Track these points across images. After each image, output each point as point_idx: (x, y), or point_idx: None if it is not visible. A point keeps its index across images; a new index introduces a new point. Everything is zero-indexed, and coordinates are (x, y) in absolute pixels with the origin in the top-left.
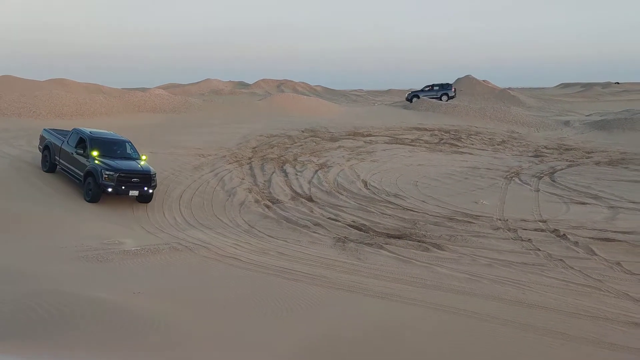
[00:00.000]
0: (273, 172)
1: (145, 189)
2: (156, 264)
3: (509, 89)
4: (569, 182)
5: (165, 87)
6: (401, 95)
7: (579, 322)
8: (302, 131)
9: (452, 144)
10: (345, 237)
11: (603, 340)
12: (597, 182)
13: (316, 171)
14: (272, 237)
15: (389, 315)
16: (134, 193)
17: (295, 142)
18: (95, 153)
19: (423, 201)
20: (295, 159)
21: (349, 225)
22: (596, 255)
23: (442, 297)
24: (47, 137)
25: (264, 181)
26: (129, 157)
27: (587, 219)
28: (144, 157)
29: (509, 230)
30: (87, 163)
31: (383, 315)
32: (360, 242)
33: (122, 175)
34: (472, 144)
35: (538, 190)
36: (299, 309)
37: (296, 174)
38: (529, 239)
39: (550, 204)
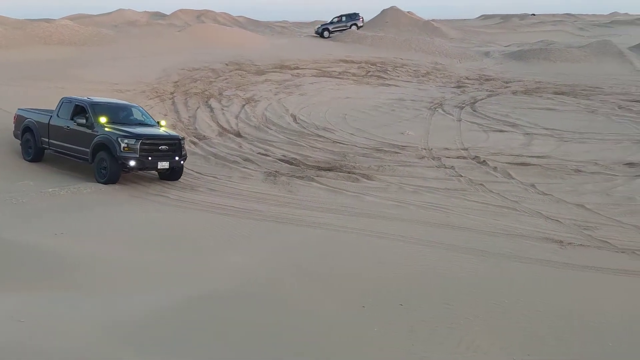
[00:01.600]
0: (198, 108)
1: (177, 159)
2: (76, 204)
3: (433, 20)
4: (488, 112)
5: (73, 18)
6: None
7: (497, 240)
8: (227, 64)
9: (378, 77)
10: (276, 172)
11: (518, 254)
12: (515, 110)
13: (243, 106)
14: (201, 174)
15: (325, 241)
16: (163, 165)
17: (220, 76)
18: (103, 119)
19: (352, 134)
20: (220, 94)
21: (279, 159)
22: (513, 178)
23: (373, 223)
24: (26, 117)
25: (189, 117)
26: (144, 124)
27: (505, 146)
28: (162, 123)
29: (434, 158)
30: (94, 133)
31: (320, 241)
32: (291, 176)
33: (146, 142)
34: (398, 76)
35: (460, 120)
36: (234, 242)
37: (222, 109)
38: (452, 166)
39: (472, 133)
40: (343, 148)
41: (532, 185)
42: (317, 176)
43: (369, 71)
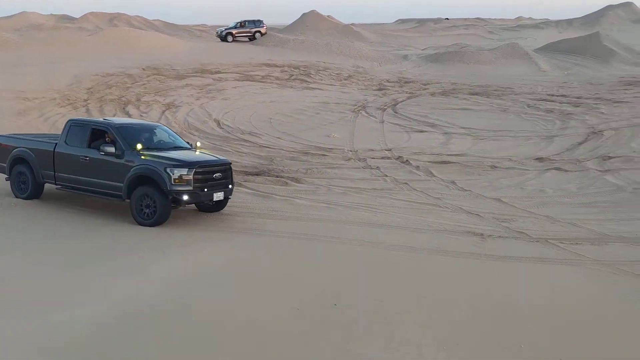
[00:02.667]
0: (114, 115)
1: (230, 187)
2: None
3: (352, 24)
4: (409, 113)
5: None
6: None
7: (423, 236)
8: (144, 69)
9: (302, 80)
10: None
11: (443, 249)
12: (433, 111)
13: (163, 112)
14: None
15: (257, 246)
16: (218, 196)
17: (137, 81)
18: (139, 146)
19: (278, 137)
20: (138, 100)
21: None
22: (435, 176)
23: (303, 226)
24: (14, 145)
25: None
26: (180, 147)
27: (426, 145)
28: (198, 144)
29: (359, 160)
30: (129, 163)
31: (251, 246)
32: None
33: (200, 171)
34: (321, 80)
35: (383, 122)
36: (167, 252)
37: (141, 115)
38: (378, 167)
39: (394, 134)
40: (270, 152)
41: (453, 182)
42: (245, 181)
43: (292, 75)
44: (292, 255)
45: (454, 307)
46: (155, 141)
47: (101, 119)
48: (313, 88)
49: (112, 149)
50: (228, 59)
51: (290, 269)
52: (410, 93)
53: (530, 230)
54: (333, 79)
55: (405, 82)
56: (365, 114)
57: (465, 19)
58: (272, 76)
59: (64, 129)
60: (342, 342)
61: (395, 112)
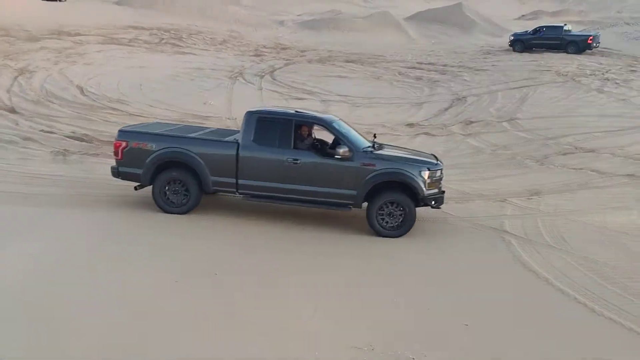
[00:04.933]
0: None
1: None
2: None
3: None
4: (287, 80)
5: None
6: None
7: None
8: None
9: (173, 44)
10: (65, 150)
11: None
12: (311, 78)
13: (16, 77)
14: None
15: (130, 219)
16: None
17: None
18: (370, 147)
19: (150, 105)
20: None
21: (68, 136)
22: None
23: None
24: (157, 145)
25: None
26: (373, 143)
27: None
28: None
29: (238, 127)
30: (368, 167)
31: (124, 219)
32: (84, 154)
33: (441, 171)
34: (195, 44)
35: (261, 89)
36: (22, 231)
37: None
38: None
39: (273, 101)
40: (142, 120)
41: None
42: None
43: (163, 38)
44: (171, 226)
45: (338, 270)
46: (352, 138)
47: (302, 111)
48: (186, 53)
49: (347, 151)
50: (89, 21)
51: (172, 240)
52: (287, 60)
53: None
54: (207, 44)
55: (282, 49)
56: (243, 81)
57: None
58: (140, 39)
59: (247, 125)
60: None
61: (274, 79)
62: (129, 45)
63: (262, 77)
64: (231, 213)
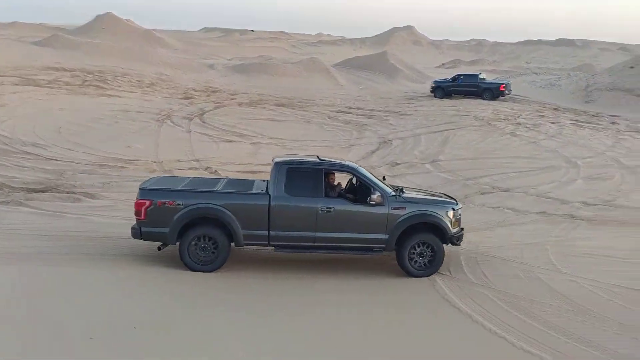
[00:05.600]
0: None
1: None
2: None
3: (154, 30)
4: (217, 123)
5: None
6: (31, 30)
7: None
8: None
9: (98, 86)
10: None
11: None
12: (241, 121)
13: None
14: None
15: (41, 276)
16: None
17: None
18: (400, 191)
19: (69, 149)
20: None
21: None
22: None
23: (104, 245)
24: (183, 202)
25: None
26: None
27: (235, 155)
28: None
29: (165, 171)
30: (398, 211)
31: (35, 275)
32: None
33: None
34: (120, 86)
35: (190, 132)
36: None
37: None
38: None
39: (202, 144)
40: (59, 165)
41: None
42: (28, 199)
43: (86, 80)
44: (89, 283)
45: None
46: (379, 183)
47: (324, 159)
48: (111, 95)
49: (379, 197)
50: (4, 60)
51: (82, 297)
52: (217, 103)
53: None
54: (134, 86)
55: (212, 92)
56: (171, 123)
57: (270, 32)
58: (61, 81)
59: (276, 175)
60: None
61: (203, 122)
62: (49, 87)
63: (191, 119)
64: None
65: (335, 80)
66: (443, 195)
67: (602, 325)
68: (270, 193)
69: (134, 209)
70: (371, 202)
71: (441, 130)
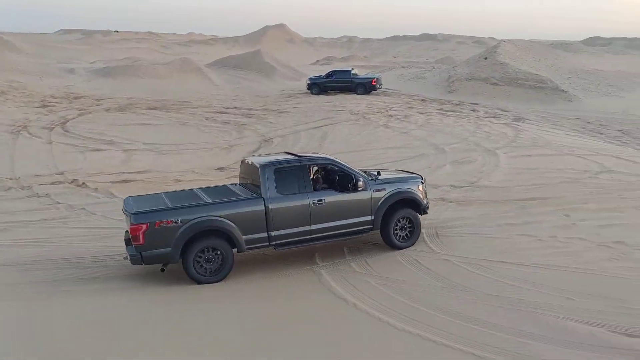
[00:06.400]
0: None
1: None
2: None
3: (1, 33)
4: (82, 131)
5: None
6: None
7: (111, 264)
8: None
9: None
10: None
11: (119, 273)
12: (110, 128)
13: None
14: None
15: None
16: None
17: None
18: (379, 174)
19: None
20: None
21: None
22: (116, 197)
23: None
24: (181, 218)
25: None
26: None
27: (105, 165)
28: None
29: (23, 188)
30: (379, 193)
31: None
32: None
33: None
34: None
35: (51, 142)
36: None
37: None
38: (47, 194)
39: (67, 155)
40: None
41: None
42: None
43: None
44: None
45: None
46: (357, 170)
47: (302, 155)
48: None
49: (363, 183)
50: None
51: None
52: (81, 109)
53: None
54: None
55: (75, 98)
56: (28, 135)
57: (137, 33)
58: None
59: (265, 178)
60: None
61: (66, 131)
62: None
63: (51, 129)
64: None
65: (209, 81)
66: (409, 173)
67: (474, 299)
68: (264, 196)
69: (129, 236)
70: (359, 189)
71: (320, 126)
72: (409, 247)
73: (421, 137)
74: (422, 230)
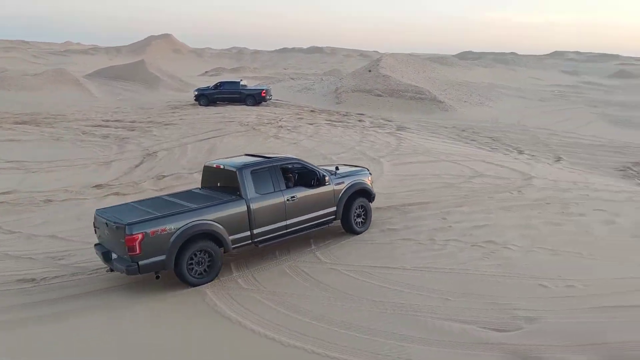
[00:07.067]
0: None
1: None
2: None
3: None
4: None
5: None
6: None
7: None
8: None
9: None
10: None
11: None
12: None
13: None
14: None
15: None
16: None
17: None
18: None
19: None
20: None
21: None
22: None
23: None
24: (172, 226)
25: None
26: None
27: None
28: None
29: None
30: (339, 186)
31: None
32: None
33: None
34: None
35: None
36: None
37: None
38: None
39: None
40: None
41: None
42: None
43: None
44: None
45: None
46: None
47: (272, 155)
48: None
49: (328, 178)
50: None
51: None
52: None
53: (90, 263)
54: None
55: None
56: None
57: (5, 41)
58: None
59: (243, 179)
60: None
61: None
62: None
63: None
64: None
65: (88, 92)
66: (358, 167)
67: (359, 307)
68: (245, 197)
69: (125, 247)
70: (327, 184)
71: (208, 138)
72: (365, 231)
73: (310, 147)
74: (311, 241)
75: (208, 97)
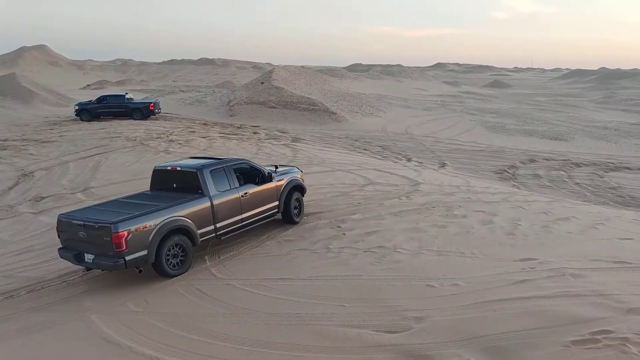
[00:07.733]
0: None
1: None
2: None
3: None
4: None
5: None
6: None
7: None
8: None
9: None
10: None
11: None
12: None
13: None
14: None
15: None
16: None
17: None
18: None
19: None
20: None
21: None
22: None
23: None
24: (151, 222)
25: None
26: None
27: None
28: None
29: None
30: (278, 184)
31: None
32: None
33: None
34: None
35: None
36: None
37: None
38: None
39: None
40: None
41: None
42: None
43: None
44: None
45: None
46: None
47: (225, 158)
48: None
49: (272, 176)
50: None
51: None
52: None
53: None
54: None
55: None
56: None
57: None
58: None
59: (205, 178)
60: None
61: None
62: None
63: None
64: None
65: None
66: (290, 166)
67: (254, 320)
68: (207, 194)
69: (112, 244)
70: (273, 181)
71: (92, 155)
72: (299, 221)
73: None
74: (206, 258)
75: (91, 112)
